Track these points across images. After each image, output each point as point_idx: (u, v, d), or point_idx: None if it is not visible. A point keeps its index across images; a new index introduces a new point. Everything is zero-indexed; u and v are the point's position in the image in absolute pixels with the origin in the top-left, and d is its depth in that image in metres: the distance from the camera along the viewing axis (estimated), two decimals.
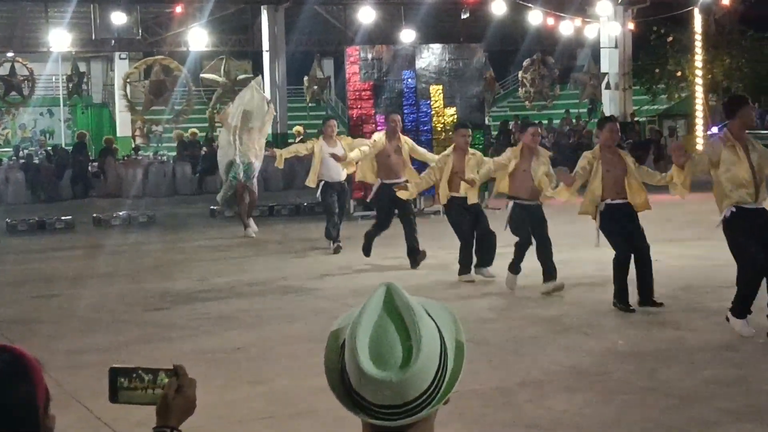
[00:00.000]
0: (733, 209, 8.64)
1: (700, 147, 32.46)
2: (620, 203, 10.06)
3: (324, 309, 10.46)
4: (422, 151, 13.87)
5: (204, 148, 30.88)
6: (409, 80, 19.88)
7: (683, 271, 11.75)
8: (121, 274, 13.73)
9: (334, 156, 14.16)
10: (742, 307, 8.61)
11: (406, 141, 13.69)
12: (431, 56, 20.32)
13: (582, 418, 6.65)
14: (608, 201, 10.04)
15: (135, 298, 11.83)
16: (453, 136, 12.82)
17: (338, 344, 2.05)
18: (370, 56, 19.95)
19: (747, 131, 9.04)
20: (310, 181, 15.02)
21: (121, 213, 21.12)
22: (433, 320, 2.03)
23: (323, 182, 14.82)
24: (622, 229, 10.01)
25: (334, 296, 11.41)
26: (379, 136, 13.61)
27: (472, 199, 12.11)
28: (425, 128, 19.74)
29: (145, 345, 9.17)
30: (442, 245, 13.70)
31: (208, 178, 29.28)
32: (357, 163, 13.96)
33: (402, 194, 12.62)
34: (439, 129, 19.97)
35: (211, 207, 22.22)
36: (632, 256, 9.95)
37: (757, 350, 8.21)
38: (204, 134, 33.34)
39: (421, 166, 13.69)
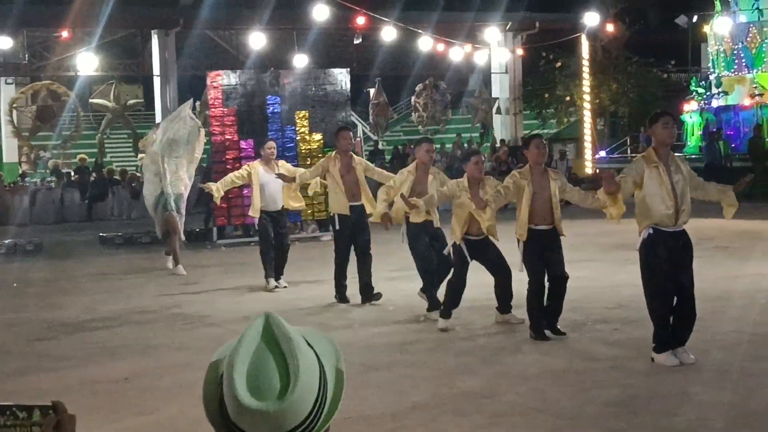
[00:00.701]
0: (651, 231, 8.36)
1: (589, 170, 33.25)
2: (545, 229, 9.65)
3: (214, 336, 10.31)
4: (378, 171, 12.64)
5: (94, 174, 30.42)
6: (275, 105, 19.53)
7: (571, 293, 11.86)
8: (6, 304, 13.38)
9: (281, 176, 12.78)
10: (659, 341, 8.46)
11: (360, 161, 12.57)
12: (297, 81, 20.11)
13: None
14: (532, 226, 9.59)
15: (20, 328, 11.53)
16: (415, 151, 11.68)
17: (218, 375, 2.01)
18: (233, 81, 19.54)
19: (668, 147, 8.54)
20: (255, 211, 13.42)
21: (6, 241, 20.64)
22: (313, 349, 2.01)
23: (261, 213, 13.36)
24: (542, 257, 9.64)
25: (225, 323, 11.27)
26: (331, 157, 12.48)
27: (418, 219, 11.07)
28: (290, 154, 19.03)
29: (30, 376, 8.94)
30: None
31: (97, 205, 28.82)
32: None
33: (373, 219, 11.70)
34: (305, 154, 19.49)
35: (101, 234, 21.90)
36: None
37: (644, 371, 8.35)
38: (93, 160, 32.82)
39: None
